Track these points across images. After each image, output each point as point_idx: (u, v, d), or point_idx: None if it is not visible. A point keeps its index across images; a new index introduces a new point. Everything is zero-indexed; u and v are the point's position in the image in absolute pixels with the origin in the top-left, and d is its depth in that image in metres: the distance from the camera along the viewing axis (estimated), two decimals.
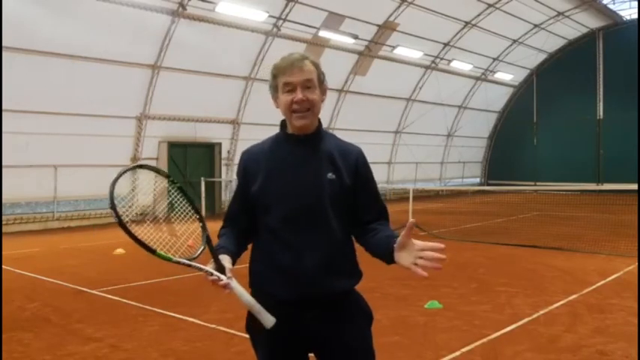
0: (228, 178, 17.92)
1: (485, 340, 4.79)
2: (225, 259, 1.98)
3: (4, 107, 11.98)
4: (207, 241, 2.04)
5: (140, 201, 2.06)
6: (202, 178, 16.59)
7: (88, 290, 6.94)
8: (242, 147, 20.36)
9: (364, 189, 2.13)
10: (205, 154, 17.68)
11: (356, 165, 2.12)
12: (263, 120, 17.63)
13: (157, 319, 5.60)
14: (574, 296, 6.31)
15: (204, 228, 2.07)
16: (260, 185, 2.08)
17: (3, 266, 8.23)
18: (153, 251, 1.92)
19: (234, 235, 2.15)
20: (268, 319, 1.92)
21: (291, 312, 2.01)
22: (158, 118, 15.87)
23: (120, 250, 9.89)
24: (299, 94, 2.04)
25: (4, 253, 9.39)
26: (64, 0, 12.78)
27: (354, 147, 2.19)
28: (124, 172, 1.94)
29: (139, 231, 1.93)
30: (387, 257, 1.94)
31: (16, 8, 12.00)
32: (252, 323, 2.08)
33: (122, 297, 6.53)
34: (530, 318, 5.45)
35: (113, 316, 5.74)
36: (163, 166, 16.26)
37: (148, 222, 2.05)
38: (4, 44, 12.06)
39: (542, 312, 5.66)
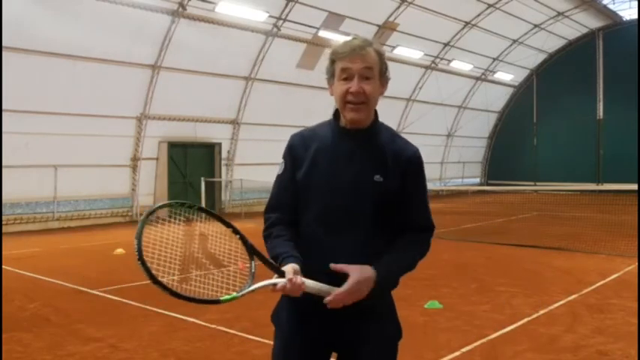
0: (228, 178, 17.92)
1: (485, 340, 4.79)
2: (292, 267, 1.80)
3: (4, 107, 11.97)
4: (253, 251, 1.85)
5: (173, 252, 1.84)
6: (202, 178, 16.60)
7: (88, 290, 6.94)
8: (242, 147, 20.40)
9: (410, 194, 1.98)
10: (205, 154, 17.68)
11: (407, 167, 1.96)
12: (263, 120, 17.76)
13: (157, 319, 5.60)
14: (574, 296, 6.31)
15: (244, 240, 1.87)
16: (304, 174, 1.95)
17: (3, 266, 8.22)
18: (217, 302, 1.75)
19: (290, 232, 1.97)
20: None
21: (319, 313, 1.89)
22: (158, 118, 15.87)
23: (120, 250, 9.89)
24: (355, 85, 1.87)
25: (4, 253, 9.39)
26: (64, 0, 12.78)
27: (410, 147, 2.01)
28: (141, 230, 1.71)
29: (192, 289, 1.75)
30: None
31: (16, 8, 11.99)
32: (281, 313, 2.02)
33: (122, 297, 6.53)
34: (530, 318, 5.45)
35: (113, 316, 5.74)
36: (163, 166, 16.28)
37: (193, 270, 1.85)
38: (4, 44, 12.05)
39: (542, 312, 5.66)
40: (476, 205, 19.85)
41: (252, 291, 1.81)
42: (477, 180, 29.18)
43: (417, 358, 4.38)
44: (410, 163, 1.97)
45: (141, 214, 15.68)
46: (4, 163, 12.33)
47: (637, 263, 8.08)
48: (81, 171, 14.42)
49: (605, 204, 16.69)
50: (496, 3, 20.80)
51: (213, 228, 1.92)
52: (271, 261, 1.85)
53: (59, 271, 8.22)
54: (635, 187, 10.72)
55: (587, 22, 24.79)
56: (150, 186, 16.22)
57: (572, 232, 11.80)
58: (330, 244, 1.91)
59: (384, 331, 2.03)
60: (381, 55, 1.93)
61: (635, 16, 23.30)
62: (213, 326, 5.27)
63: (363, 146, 1.96)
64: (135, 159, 15.71)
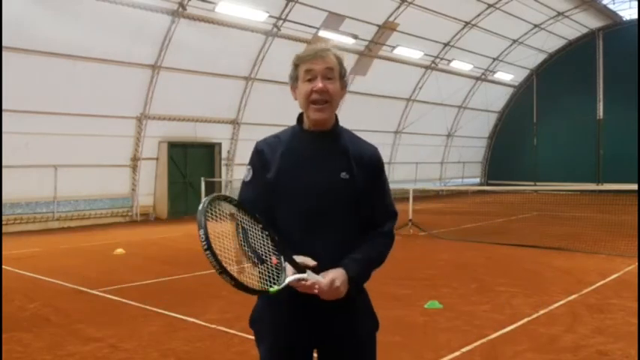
0: (229, 178, 17.93)
1: (485, 340, 4.79)
2: (298, 256, 1.90)
3: (4, 107, 11.98)
4: (282, 248, 1.93)
5: (228, 244, 1.85)
6: (202, 178, 16.61)
7: (88, 290, 6.93)
8: (242, 147, 20.45)
9: (373, 188, 2.10)
10: (205, 154, 17.68)
11: (370, 164, 2.10)
12: (263, 120, 17.71)
13: (157, 319, 5.60)
14: (574, 296, 6.31)
15: (272, 236, 1.94)
16: (274, 177, 2.04)
17: (3, 266, 8.22)
18: (267, 292, 1.81)
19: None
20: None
21: (297, 310, 1.99)
22: (158, 118, 15.87)
23: (120, 250, 9.90)
24: (319, 83, 1.99)
25: (4, 253, 9.38)
26: (64, 0, 12.78)
27: (370, 146, 2.16)
28: (204, 221, 1.73)
29: (247, 280, 1.79)
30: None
31: (16, 8, 11.99)
32: (263, 315, 2.09)
33: (122, 297, 6.53)
34: (530, 318, 5.45)
35: (113, 316, 5.73)
36: (163, 166, 16.28)
37: (245, 264, 1.89)
38: (4, 44, 12.06)
39: (542, 312, 5.66)
40: (476, 205, 19.86)
41: (288, 284, 1.84)
42: (477, 180, 29.19)
43: (417, 358, 4.38)
44: (371, 160, 2.11)
45: (141, 215, 15.79)
46: (4, 163, 12.34)
47: (637, 263, 8.08)
48: (81, 171, 14.42)
49: (605, 204, 16.69)
50: (496, 3, 20.81)
51: (249, 222, 1.94)
52: (294, 258, 1.89)
53: (59, 271, 8.22)
54: (635, 187, 10.73)
55: (587, 22, 24.80)
56: (150, 186, 16.22)
57: (572, 232, 11.80)
58: (304, 244, 1.98)
59: (363, 325, 2.11)
60: (339, 59, 2.08)
61: (635, 16, 23.32)
62: (213, 326, 5.27)
63: (328, 147, 2.07)
64: (135, 159, 15.71)
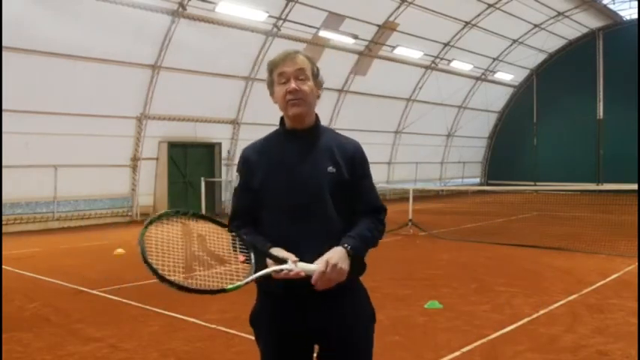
0: (229, 178, 17.92)
1: (485, 340, 4.79)
2: (279, 251, 1.97)
3: (4, 107, 11.98)
4: (251, 245, 2.01)
5: (176, 253, 1.97)
6: (202, 178, 16.60)
7: (88, 290, 6.94)
8: (242, 147, 20.64)
9: (359, 181, 2.17)
10: (205, 154, 17.68)
11: (353, 158, 2.16)
12: (263, 120, 17.61)
13: (157, 319, 5.60)
14: (574, 296, 6.31)
15: (239, 236, 2.03)
16: (260, 180, 2.12)
17: (3, 266, 8.22)
18: (223, 290, 1.88)
19: (256, 232, 2.12)
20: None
21: (293, 303, 2.04)
22: (158, 118, 15.87)
23: (120, 250, 9.89)
24: (292, 84, 2.09)
25: (4, 253, 9.39)
26: (64, 0, 12.78)
27: (352, 140, 2.24)
28: (142, 239, 1.86)
29: (198, 282, 1.87)
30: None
31: (16, 8, 11.99)
32: (259, 315, 2.14)
33: (122, 297, 6.53)
34: (530, 318, 5.45)
35: (113, 316, 5.73)
36: (163, 166, 16.28)
37: (197, 268, 1.97)
38: (4, 44, 12.06)
39: (542, 312, 5.66)
40: (476, 205, 19.85)
41: (256, 279, 1.92)
42: (477, 180, 29.19)
43: (417, 358, 4.38)
44: (354, 154, 2.18)
45: (141, 215, 15.78)
46: (4, 163, 12.33)
47: (637, 263, 8.08)
48: (81, 171, 14.42)
49: (605, 204, 16.68)
50: (496, 3, 20.80)
51: (209, 229, 2.05)
52: (265, 249, 1.98)
53: (59, 271, 8.22)
54: (635, 187, 10.72)
55: (587, 22, 24.79)
56: (150, 186, 16.22)
57: (572, 232, 11.80)
58: (295, 238, 2.04)
59: (362, 314, 2.15)
60: (310, 60, 2.17)
61: (635, 16, 23.32)
62: (213, 326, 5.27)
63: (311, 143, 2.16)
64: (135, 159, 15.71)
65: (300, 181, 2.08)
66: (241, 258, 2.01)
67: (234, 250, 2.02)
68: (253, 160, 2.17)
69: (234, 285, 1.88)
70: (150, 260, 1.82)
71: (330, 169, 2.10)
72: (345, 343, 2.08)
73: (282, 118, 2.21)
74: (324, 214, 2.07)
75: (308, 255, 1.97)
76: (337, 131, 2.31)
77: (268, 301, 2.13)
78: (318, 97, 2.20)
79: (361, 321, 2.14)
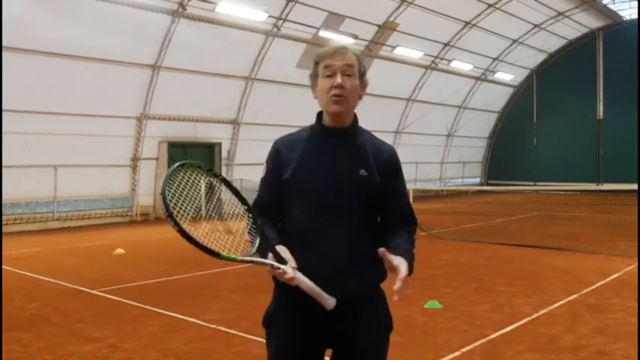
0: (229, 178, 17.90)
1: (485, 340, 4.79)
2: (284, 251, 1.92)
3: (4, 107, 11.98)
4: (260, 231, 1.98)
5: (190, 201, 2.01)
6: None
7: (88, 290, 6.93)
8: (242, 147, 20.40)
9: (392, 189, 2.10)
10: (205, 154, 17.68)
11: (387, 164, 2.09)
12: (263, 120, 17.74)
13: (157, 319, 5.60)
14: (574, 296, 6.31)
15: (254, 219, 2.00)
16: (291, 174, 2.05)
17: (3, 266, 8.22)
18: (217, 255, 1.86)
19: (272, 225, 2.07)
20: (330, 301, 1.91)
21: (309, 307, 1.95)
22: (158, 118, 15.88)
23: (120, 250, 9.90)
24: (338, 79, 2.01)
25: (4, 253, 9.39)
26: (64, 0, 12.78)
27: (388, 146, 2.17)
28: (170, 174, 1.92)
29: (198, 235, 1.88)
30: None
31: (16, 8, 11.99)
32: (275, 315, 2.10)
33: (122, 297, 6.52)
34: (530, 318, 5.45)
35: (113, 316, 5.73)
36: (163, 165, 16.27)
37: (204, 221, 1.99)
38: (4, 44, 12.06)
39: (542, 312, 5.65)
40: (476, 205, 19.85)
41: (251, 262, 1.90)
42: (477, 180, 29.20)
43: (417, 358, 4.38)
44: (389, 160, 2.11)
45: (141, 215, 15.78)
46: (4, 163, 12.34)
47: (637, 263, 8.08)
48: (81, 171, 14.43)
49: (605, 204, 16.69)
50: (496, 3, 20.81)
51: (230, 198, 2.06)
52: (272, 243, 1.93)
53: (59, 271, 8.22)
54: (635, 187, 10.74)
55: (587, 22, 24.80)
56: (150, 186, 16.21)
57: (572, 232, 11.80)
58: (314, 237, 2.00)
59: (382, 320, 2.11)
60: (359, 57, 2.10)
61: (635, 16, 23.33)
62: (213, 326, 5.27)
63: (347, 144, 2.07)
64: (135, 159, 15.72)
65: (328, 180, 2.02)
66: (247, 237, 2.00)
67: (245, 228, 2.00)
68: (285, 153, 2.09)
69: (230, 255, 1.88)
70: (167, 194, 1.84)
71: (362, 172, 2.03)
72: (365, 347, 2.03)
73: (319, 114, 2.12)
74: (348, 216, 2.01)
75: (324, 255, 1.94)
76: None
77: (290, 299, 2.02)
78: (361, 97, 2.13)
79: (381, 327, 2.10)
